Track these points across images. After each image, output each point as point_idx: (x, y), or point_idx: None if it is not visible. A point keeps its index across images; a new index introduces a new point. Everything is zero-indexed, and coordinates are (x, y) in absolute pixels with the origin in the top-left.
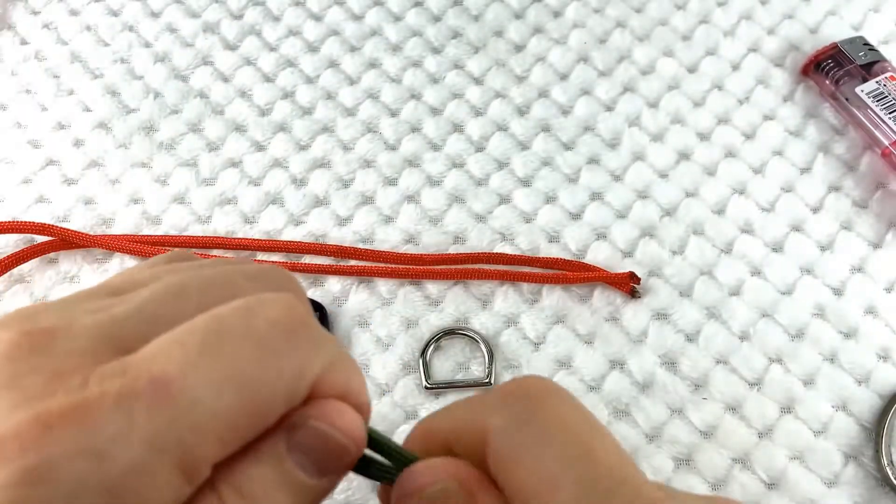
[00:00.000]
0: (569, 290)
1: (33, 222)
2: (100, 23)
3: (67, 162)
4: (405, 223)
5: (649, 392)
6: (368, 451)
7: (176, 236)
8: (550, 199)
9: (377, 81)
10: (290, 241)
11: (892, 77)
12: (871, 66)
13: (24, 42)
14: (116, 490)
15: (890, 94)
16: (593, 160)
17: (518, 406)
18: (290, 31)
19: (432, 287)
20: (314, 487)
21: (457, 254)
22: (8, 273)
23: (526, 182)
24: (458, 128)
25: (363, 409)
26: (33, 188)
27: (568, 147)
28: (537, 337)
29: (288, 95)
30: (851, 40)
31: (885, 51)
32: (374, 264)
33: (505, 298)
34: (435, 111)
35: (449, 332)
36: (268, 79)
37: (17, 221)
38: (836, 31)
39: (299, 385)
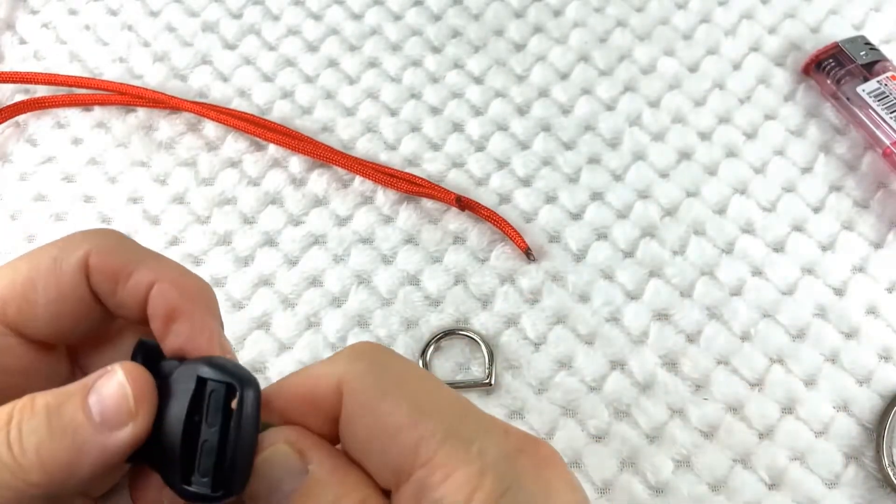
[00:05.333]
0: (568, 289)
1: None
2: (99, 22)
3: (66, 160)
4: (404, 223)
5: (650, 392)
6: None
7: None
8: (551, 199)
9: (377, 81)
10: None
11: (893, 76)
12: (872, 65)
13: (22, 42)
14: None
15: (891, 94)
16: (594, 160)
17: (370, 357)
18: (289, 30)
19: (432, 286)
20: (81, 429)
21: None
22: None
23: (526, 182)
24: (458, 127)
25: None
26: (32, 186)
27: (568, 147)
28: (537, 337)
29: (287, 95)
30: (852, 40)
31: (886, 50)
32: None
33: (505, 298)
34: (435, 111)
35: (449, 333)
36: (267, 78)
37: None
38: (837, 31)
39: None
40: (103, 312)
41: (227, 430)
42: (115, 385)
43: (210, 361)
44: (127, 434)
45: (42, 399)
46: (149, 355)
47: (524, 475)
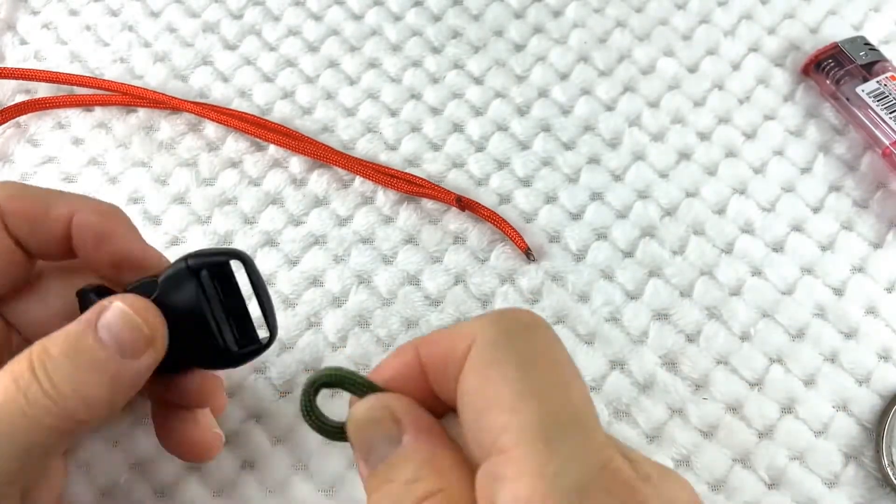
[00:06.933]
0: (568, 289)
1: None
2: (99, 23)
3: (67, 161)
4: (404, 223)
5: (650, 392)
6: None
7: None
8: (550, 199)
9: (377, 81)
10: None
11: (892, 77)
12: (871, 65)
13: (23, 42)
14: None
15: (890, 94)
16: (593, 160)
17: (508, 325)
18: (290, 30)
19: (432, 286)
20: (108, 361)
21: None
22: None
23: (526, 182)
24: (458, 128)
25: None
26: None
27: (568, 147)
28: None
29: (288, 95)
30: (852, 40)
31: (885, 50)
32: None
33: (505, 298)
34: (435, 111)
35: None
36: (268, 79)
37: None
38: (836, 31)
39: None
40: (26, 260)
41: (235, 297)
42: (119, 317)
43: (194, 255)
44: (149, 359)
45: (55, 348)
46: (100, 294)
47: None
